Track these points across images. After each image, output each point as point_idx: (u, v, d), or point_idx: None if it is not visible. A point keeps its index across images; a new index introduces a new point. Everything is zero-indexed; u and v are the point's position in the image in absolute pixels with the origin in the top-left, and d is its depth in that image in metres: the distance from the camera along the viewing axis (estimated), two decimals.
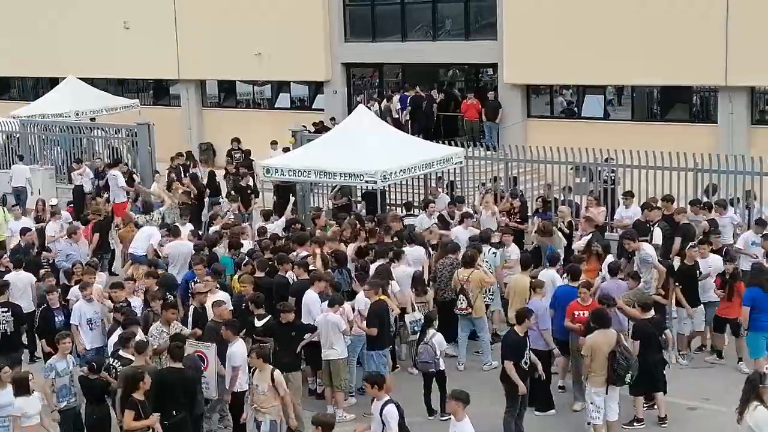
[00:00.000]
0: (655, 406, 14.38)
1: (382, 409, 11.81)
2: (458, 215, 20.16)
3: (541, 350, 14.49)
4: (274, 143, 28.51)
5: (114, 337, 14.12)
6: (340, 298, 14.99)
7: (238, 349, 13.82)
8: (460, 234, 18.82)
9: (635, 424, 14.20)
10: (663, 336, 14.41)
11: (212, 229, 20.09)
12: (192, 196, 24.47)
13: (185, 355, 13.30)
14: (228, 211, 22.27)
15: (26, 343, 17.07)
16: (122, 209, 24.07)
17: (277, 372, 13.18)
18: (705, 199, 20.35)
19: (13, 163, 30.34)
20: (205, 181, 26.24)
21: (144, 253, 18.90)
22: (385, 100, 32.59)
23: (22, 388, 12.77)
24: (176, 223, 20.05)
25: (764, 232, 17.77)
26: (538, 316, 14.38)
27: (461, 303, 16.31)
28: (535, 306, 14.50)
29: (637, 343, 13.91)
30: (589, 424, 13.72)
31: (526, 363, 13.54)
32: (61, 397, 13.46)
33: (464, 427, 11.34)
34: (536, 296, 14.97)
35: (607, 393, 13.42)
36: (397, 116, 31.31)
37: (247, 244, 18.58)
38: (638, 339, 13.96)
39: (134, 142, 29.48)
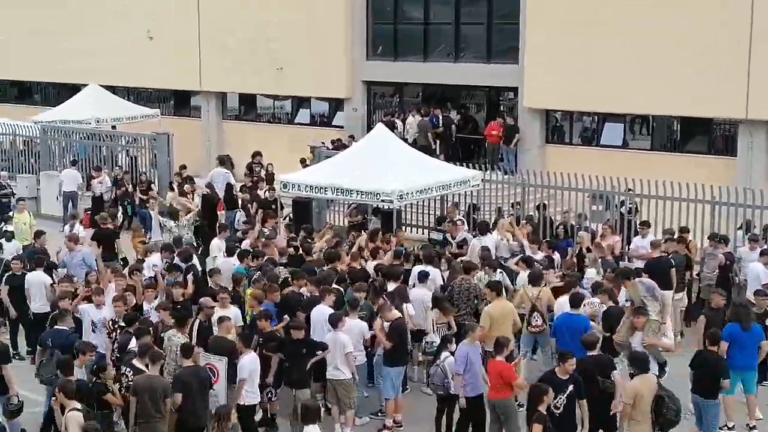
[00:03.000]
0: None
1: None
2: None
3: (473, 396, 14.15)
4: (303, 161, 28.46)
5: (131, 344, 14.19)
6: (339, 315, 14.90)
7: (246, 361, 13.84)
8: None
9: None
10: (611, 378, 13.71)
11: (245, 243, 19.88)
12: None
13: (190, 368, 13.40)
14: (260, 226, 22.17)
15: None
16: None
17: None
18: (740, 234, 20.13)
19: (59, 168, 30.58)
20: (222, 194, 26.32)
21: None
22: (410, 116, 32.40)
23: None
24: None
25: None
26: (456, 360, 14.04)
27: (536, 320, 16.33)
28: (459, 350, 14.16)
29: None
30: None
31: None
32: None
33: None
34: (467, 339, 14.36)
35: None
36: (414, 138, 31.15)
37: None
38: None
39: (154, 151, 29.63)
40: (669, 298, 17.92)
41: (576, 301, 15.47)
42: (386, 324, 15.22)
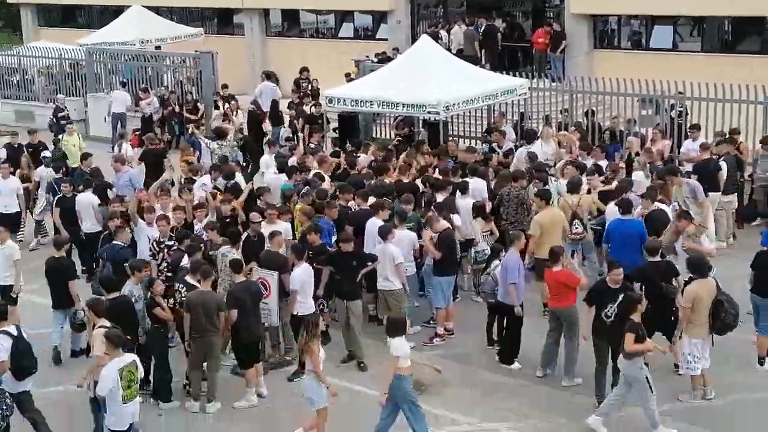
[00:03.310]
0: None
1: None
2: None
3: (508, 305, 14.21)
4: (347, 75, 28.36)
5: (183, 261, 14.36)
6: (389, 227, 14.89)
7: (297, 273, 13.96)
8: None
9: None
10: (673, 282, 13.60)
11: (291, 160, 19.81)
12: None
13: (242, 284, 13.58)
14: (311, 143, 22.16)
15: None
16: None
17: None
18: None
19: (108, 91, 30.82)
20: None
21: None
22: (456, 26, 32.02)
23: None
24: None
25: None
26: (508, 270, 14.03)
27: (576, 227, 16.30)
28: (508, 259, 14.17)
29: (637, 286, 13.56)
30: (679, 374, 13.42)
31: None
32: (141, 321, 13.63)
33: None
34: (512, 248, 14.34)
35: (710, 344, 13.09)
36: (460, 47, 30.85)
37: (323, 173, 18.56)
38: (639, 282, 13.61)
39: (199, 71, 29.64)
40: (715, 201, 17.80)
41: (626, 207, 15.33)
42: (434, 235, 15.24)
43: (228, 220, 16.51)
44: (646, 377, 12.09)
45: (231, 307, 13.32)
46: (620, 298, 12.65)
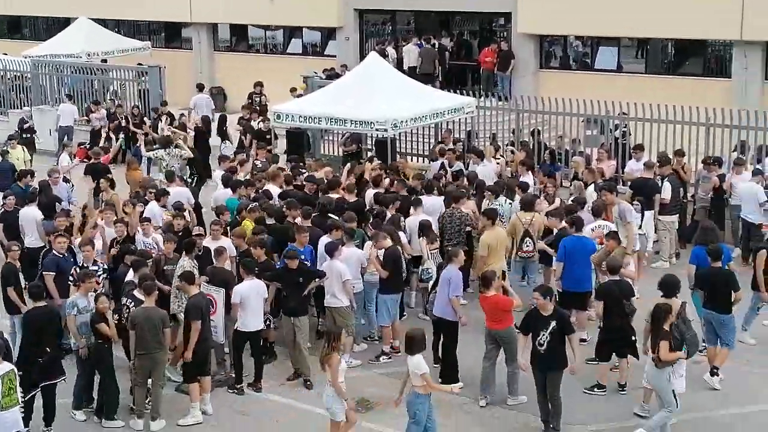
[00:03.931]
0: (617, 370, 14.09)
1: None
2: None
3: (449, 320, 14.25)
4: (293, 90, 28.43)
5: (128, 276, 14.24)
6: (336, 244, 14.90)
7: (239, 287, 13.97)
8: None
9: (596, 389, 13.98)
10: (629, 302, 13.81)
11: (239, 175, 19.66)
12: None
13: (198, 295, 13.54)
14: (254, 156, 22.11)
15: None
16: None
17: None
18: (735, 156, 20.04)
19: (50, 103, 30.64)
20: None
21: None
22: (412, 44, 32.17)
23: None
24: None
25: None
26: (451, 284, 14.04)
27: (527, 246, 16.38)
28: (449, 274, 14.18)
29: (601, 304, 13.75)
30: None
31: None
32: (81, 333, 13.44)
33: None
34: (452, 264, 14.31)
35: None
36: (413, 65, 31.02)
37: (274, 189, 18.59)
38: (602, 300, 13.77)
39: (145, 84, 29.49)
40: (649, 220, 18.07)
41: (579, 223, 15.48)
42: (380, 252, 15.28)
43: (180, 234, 16.34)
44: (673, 390, 12.28)
45: (195, 319, 13.24)
46: (552, 326, 12.62)
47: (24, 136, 27.49)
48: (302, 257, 14.95)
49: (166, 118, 26.67)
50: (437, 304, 14.40)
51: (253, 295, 14.01)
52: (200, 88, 30.50)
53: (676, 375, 12.79)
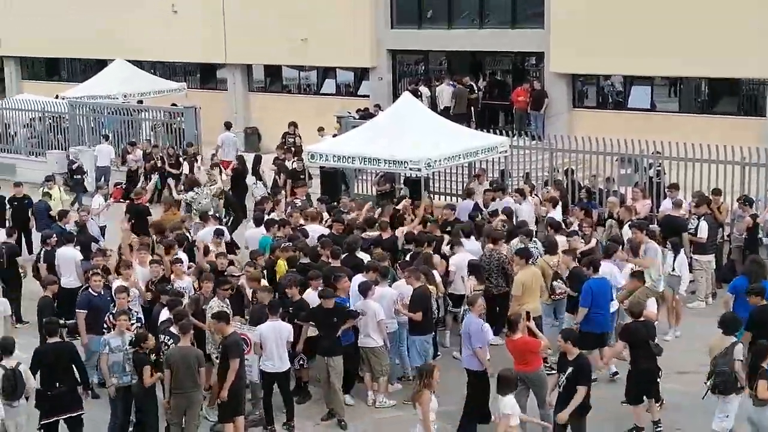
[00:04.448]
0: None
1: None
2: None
3: (476, 371, 14.01)
4: (320, 130, 28.63)
5: (163, 315, 14.30)
6: (369, 283, 14.92)
7: (260, 328, 13.99)
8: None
9: None
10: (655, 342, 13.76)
11: (273, 215, 19.74)
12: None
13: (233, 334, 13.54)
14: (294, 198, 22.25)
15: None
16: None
17: None
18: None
19: (87, 144, 31.14)
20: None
21: None
22: (445, 84, 32.34)
23: None
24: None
25: None
26: (472, 336, 13.81)
27: (559, 288, 16.18)
28: (468, 324, 13.96)
29: (626, 346, 13.66)
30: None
31: None
32: (112, 373, 13.56)
33: None
34: (472, 312, 14.02)
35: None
36: (447, 105, 31.16)
37: (318, 229, 18.60)
38: (626, 341, 13.68)
39: (181, 125, 29.81)
40: (683, 260, 17.79)
41: (596, 267, 15.29)
42: (407, 293, 15.19)
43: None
44: None
45: (235, 357, 13.22)
46: (569, 371, 12.56)
47: (75, 177, 28.20)
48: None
49: (201, 158, 26.92)
50: (464, 356, 14.17)
51: (272, 336, 13.98)
52: (228, 126, 30.73)
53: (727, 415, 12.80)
